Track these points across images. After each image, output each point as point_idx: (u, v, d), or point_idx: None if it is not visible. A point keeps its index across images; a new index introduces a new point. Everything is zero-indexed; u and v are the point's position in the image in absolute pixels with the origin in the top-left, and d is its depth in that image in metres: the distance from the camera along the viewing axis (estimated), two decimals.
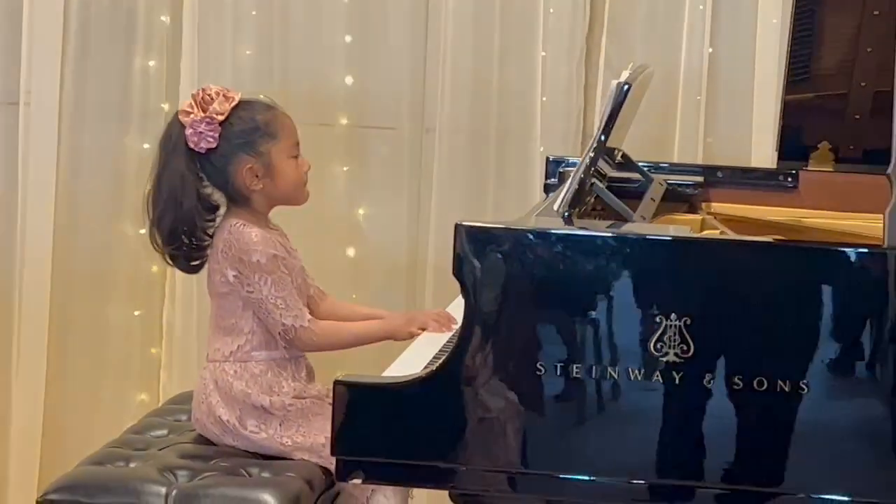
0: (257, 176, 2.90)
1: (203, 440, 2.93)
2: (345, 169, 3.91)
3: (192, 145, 2.87)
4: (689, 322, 2.24)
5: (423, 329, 2.94)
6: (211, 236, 2.93)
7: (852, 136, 3.22)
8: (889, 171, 2.28)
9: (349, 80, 3.90)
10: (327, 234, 3.86)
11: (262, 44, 3.90)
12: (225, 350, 2.91)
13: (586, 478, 2.30)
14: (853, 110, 3.20)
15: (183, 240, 2.91)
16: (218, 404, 2.89)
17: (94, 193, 3.98)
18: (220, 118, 2.86)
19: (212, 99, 2.87)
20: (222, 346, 2.92)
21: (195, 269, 2.98)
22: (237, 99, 2.90)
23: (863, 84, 3.15)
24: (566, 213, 2.51)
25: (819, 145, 3.25)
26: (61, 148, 3.94)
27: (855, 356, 2.24)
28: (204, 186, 2.92)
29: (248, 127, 2.89)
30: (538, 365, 2.26)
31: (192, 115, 2.87)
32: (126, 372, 4.02)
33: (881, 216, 2.28)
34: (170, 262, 2.97)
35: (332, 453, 2.37)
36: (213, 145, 2.87)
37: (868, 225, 2.79)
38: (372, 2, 3.89)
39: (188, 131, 2.87)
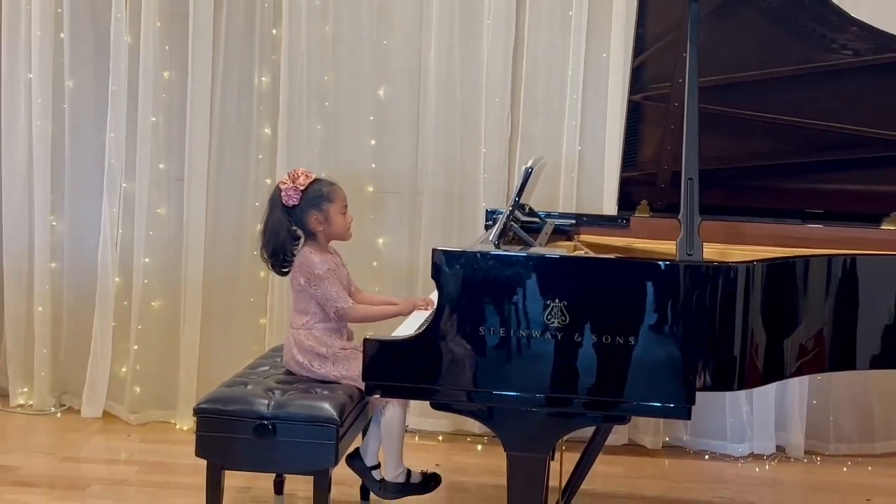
0: (320, 223, 2.89)
1: (289, 373, 2.92)
2: (371, 216, 3.89)
3: (284, 202, 2.87)
4: (566, 304, 2.24)
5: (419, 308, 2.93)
6: (294, 255, 2.92)
7: (660, 197, 3.22)
8: (679, 217, 2.30)
9: (373, 165, 3.89)
10: (361, 254, 3.83)
11: (324, 147, 3.88)
12: (299, 322, 2.90)
13: (510, 393, 2.29)
14: (661, 182, 3.19)
15: (279, 257, 2.90)
16: (297, 353, 2.88)
17: (228, 231, 3.95)
18: (302, 188, 2.86)
19: (298, 176, 2.87)
20: (298, 320, 2.90)
21: (285, 274, 2.96)
22: (313, 177, 2.89)
23: (665, 167, 3.15)
24: (496, 243, 2.51)
25: (641, 202, 3.25)
26: (208, 205, 3.92)
27: (662, 323, 2.24)
28: (291, 226, 2.91)
29: (317, 195, 2.88)
30: (480, 329, 2.26)
31: (286, 185, 2.86)
32: (245, 333, 3.98)
33: (675, 242, 2.30)
34: (271, 269, 2.95)
35: (363, 380, 2.36)
36: (297, 203, 2.87)
37: (669, 248, 2.78)
38: (386, 121, 3.88)
39: (283, 194, 2.86)
